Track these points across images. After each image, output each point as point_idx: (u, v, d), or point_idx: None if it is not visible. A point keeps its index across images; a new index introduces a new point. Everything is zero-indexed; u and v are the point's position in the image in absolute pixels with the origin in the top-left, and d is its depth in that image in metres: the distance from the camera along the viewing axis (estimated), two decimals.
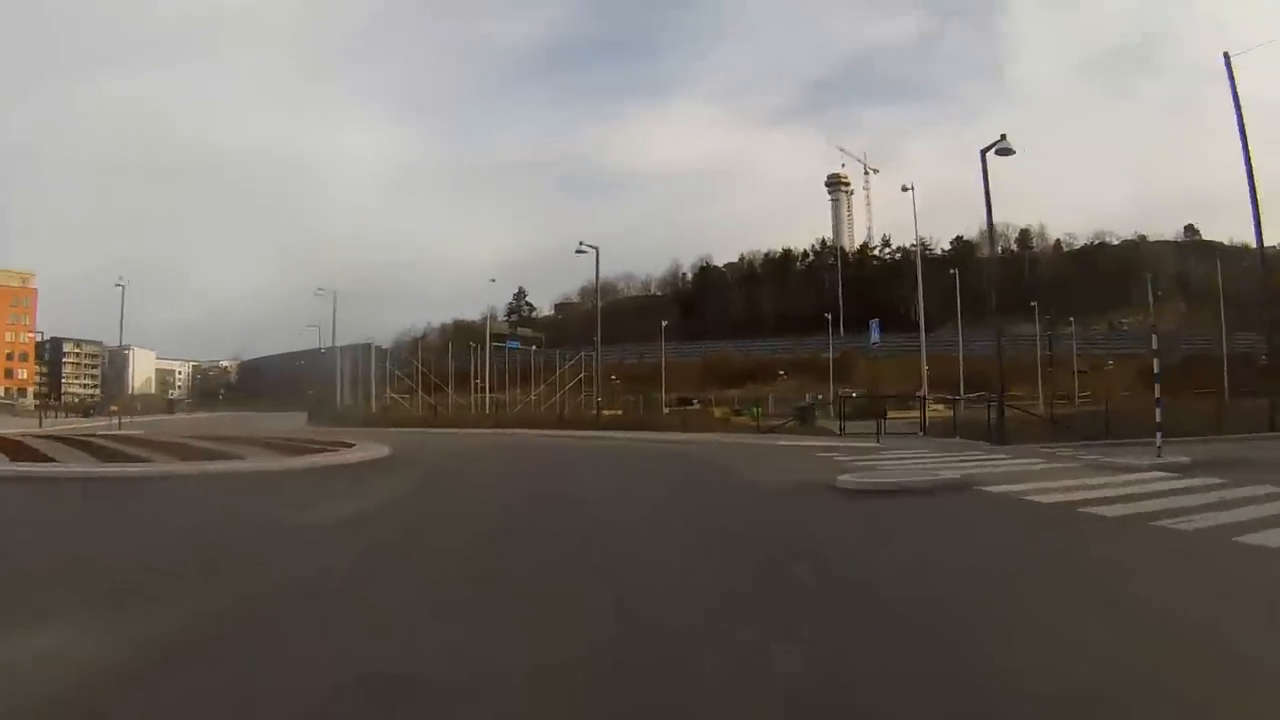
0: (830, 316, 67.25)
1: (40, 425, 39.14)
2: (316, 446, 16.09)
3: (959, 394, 38.09)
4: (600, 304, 39.41)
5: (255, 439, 18.95)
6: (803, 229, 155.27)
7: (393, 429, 31.21)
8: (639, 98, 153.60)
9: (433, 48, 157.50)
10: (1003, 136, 17.56)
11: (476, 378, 46.15)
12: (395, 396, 45.50)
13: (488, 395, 45.55)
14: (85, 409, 64.86)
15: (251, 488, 10.82)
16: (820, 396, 52.90)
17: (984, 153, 17.99)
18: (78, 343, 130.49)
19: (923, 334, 35.44)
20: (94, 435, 22.66)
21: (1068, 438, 17.10)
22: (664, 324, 62.22)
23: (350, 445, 16.30)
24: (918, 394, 28.63)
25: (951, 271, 46.53)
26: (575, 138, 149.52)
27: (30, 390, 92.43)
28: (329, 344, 50.53)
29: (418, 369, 47.12)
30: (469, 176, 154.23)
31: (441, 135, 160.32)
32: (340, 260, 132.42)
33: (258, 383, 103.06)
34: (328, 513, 8.03)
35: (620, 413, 32.04)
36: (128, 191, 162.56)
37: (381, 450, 15.93)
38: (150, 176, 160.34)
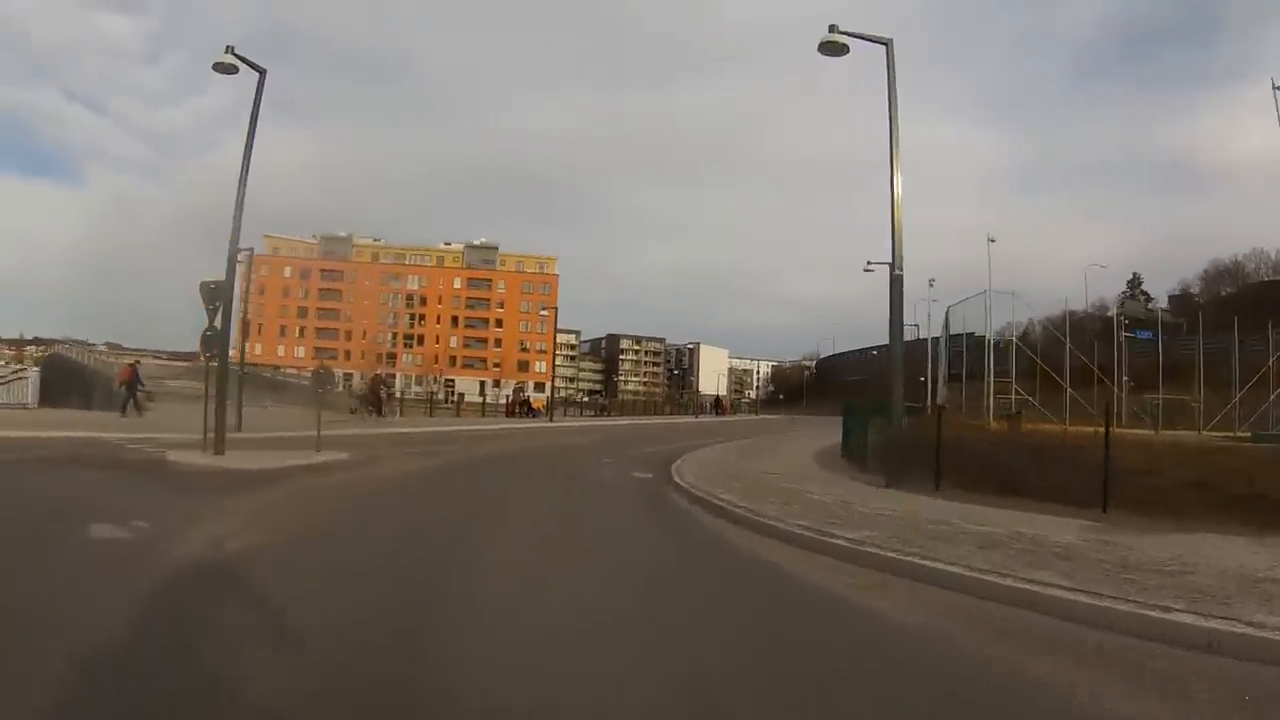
0: None
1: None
2: None
3: None
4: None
5: None
6: None
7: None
8: (1208, 84, 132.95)
9: (1005, 42, 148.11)
10: None
11: (1122, 372, 34.43)
12: (1025, 394, 26.29)
13: (1123, 395, 33.12)
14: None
15: None
16: None
17: None
18: (636, 339, 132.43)
19: None
20: None
21: None
22: None
23: None
24: None
25: None
26: (1144, 125, 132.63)
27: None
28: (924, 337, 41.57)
29: (1037, 363, 34.71)
30: (1051, 175, 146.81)
31: (1022, 133, 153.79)
32: (919, 257, 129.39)
33: (832, 382, 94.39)
34: None
35: None
36: (708, 197, 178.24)
37: None
38: (736, 182, 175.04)
